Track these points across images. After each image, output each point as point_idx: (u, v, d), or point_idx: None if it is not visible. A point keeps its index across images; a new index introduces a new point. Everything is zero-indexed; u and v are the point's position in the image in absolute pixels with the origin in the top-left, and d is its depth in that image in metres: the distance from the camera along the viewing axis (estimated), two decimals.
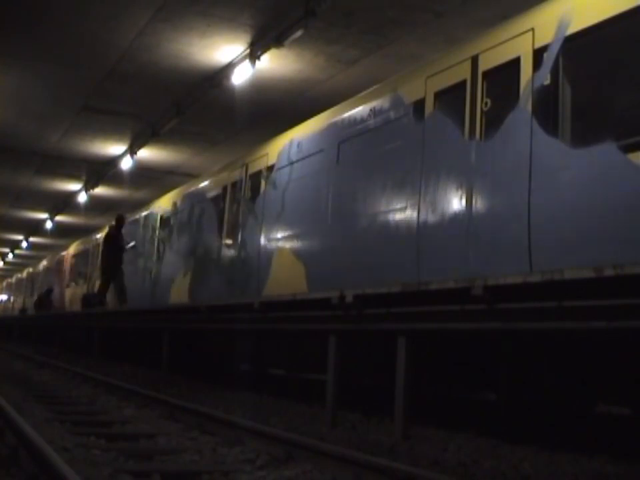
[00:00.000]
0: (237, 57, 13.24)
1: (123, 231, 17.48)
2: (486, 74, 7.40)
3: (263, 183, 11.79)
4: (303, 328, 8.15)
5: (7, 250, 44.81)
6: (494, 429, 6.66)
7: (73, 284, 26.33)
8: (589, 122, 6.26)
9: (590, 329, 4.94)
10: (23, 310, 34.85)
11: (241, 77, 13.41)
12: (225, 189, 13.34)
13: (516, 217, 6.65)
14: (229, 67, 13.59)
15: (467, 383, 7.82)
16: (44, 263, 33.01)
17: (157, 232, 16.91)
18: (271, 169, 11.60)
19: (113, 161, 21.20)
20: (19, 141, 20.26)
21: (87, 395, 9.59)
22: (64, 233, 32.60)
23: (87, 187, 24.66)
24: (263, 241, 11.44)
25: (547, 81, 6.62)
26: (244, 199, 12.46)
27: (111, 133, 18.95)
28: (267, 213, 11.43)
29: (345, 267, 9.08)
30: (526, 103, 6.80)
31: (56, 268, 29.22)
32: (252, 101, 14.99)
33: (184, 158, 21.11)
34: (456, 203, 7.47)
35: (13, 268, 49.10)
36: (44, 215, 31.31)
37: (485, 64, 7.42)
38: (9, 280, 48.42)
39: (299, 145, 10.89)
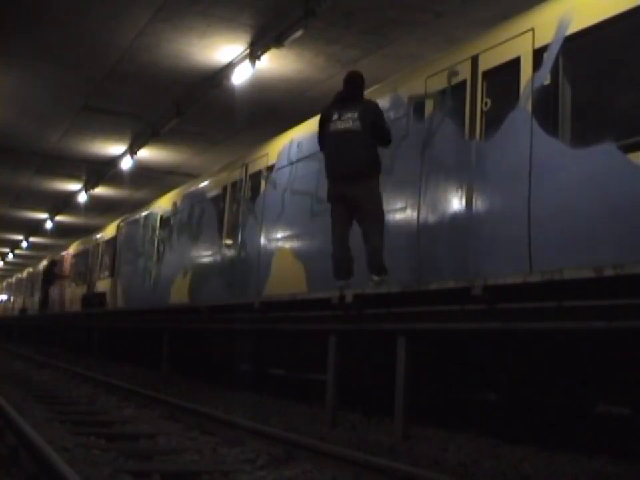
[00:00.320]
0: (237, 57, 13.23)
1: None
2: (486, 74, 7.40)
3: (263, 183, 11.78)
4: (303, 328, 8.16)
5: (7, 250, 44.80)
6: (494, 429, 6.66)
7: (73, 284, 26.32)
8: (589, 122, 6.25)
9: (590, 328, 4.94)
10: (23, 310, 34.84)
11: (240, 76, 13.41)
12: (225, 189, 13.34)
13: (516, 217, 6.64)
14: (229, 66, 13.58)
15: (467, 383, 7.82)
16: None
17: (157, 232, 16.91)
18: (271, 169, 11.60)
19: (113, 160, 21.19)
20: (18, 141, 20.26)
21: (86, 395, 9.59)
22: (64, 232, 32.59)
23: (87, 187, 24.66)
24: (262, 240, 11.44)
25: (547, 81, 6.62)
26: (244, 198, 12.45)
27: (111, 133, 18.94)
28: (267, 213, 11.43)
29: None
30: (526, 102, 6.79)
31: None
32: (252, 100, 14.98)
33: (184, 158, 21.11)
34: (456, 202, 7.46)
35: (13, 268, 49.10)
36: (44, 215, 31.30)
37: (485, 64, 7.42)
38: (9, 280, 48.41)
39: (298, 145, 10.89)
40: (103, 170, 22.28)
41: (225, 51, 13.20)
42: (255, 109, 15.76)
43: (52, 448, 4.76)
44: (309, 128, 10.95)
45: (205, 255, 13.75)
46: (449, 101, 7.82)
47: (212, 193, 13.96)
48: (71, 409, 8.13)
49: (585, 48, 6.35)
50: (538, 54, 6.74)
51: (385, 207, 8.54)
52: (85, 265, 24.65)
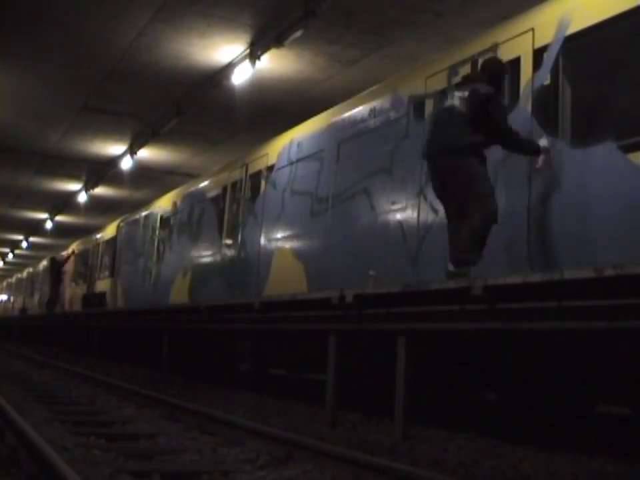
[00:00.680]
0: (237, 57, 13.24)
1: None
2: None
3: (262, 183, 11.79)
4: (303, 328, 8.16)
5: (7, 250, 44.80)
6: (494, 429, 6.66)
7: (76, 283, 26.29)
8: (589, 122, 6.25)
9: (590, 329, 4.94)
10: (23, 310, 34.84)
11: (241, 76, 13.41)
12: (224, 189, 13.34)
13: (515, 217, 6.64)
14: (229, 66, 13.59)
15: (467, 383, 7.82)
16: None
17: (157, 232, 16.91)
18: (271, 169, 11.60)
19: (113, 160, 21.19)
20: (18, 141, 20.26)
21: (87, 395, 9.59)
22: (64, 232, 32.59)
23: (87, 187, 24.66)
24: (262, 240, 11.44)
25: (547, 81, 6.62)
26: (244, 198, 12.46)
27: (111, 133, 18.94)
28: (267, 213, 11.43)
29: (345, 266, 9.08)
30: (526, 102, 6.79)
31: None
32: (252, 100, 14.98)
33: (184, 158, 21.12)
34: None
35: (13, 268, 49.10)
36: (44, 215, 31.30)
37: None
38: (9, 280, 48.42)
39: (299, 145, 10.89)
40: (102, 170, 22.29)
41: (224, 51, 13.20)
42: (255, 109, 15.76)
43: (52, 448, 4.76)
44: (309, 128, 10.97)
45: (205, 255, 13.76)
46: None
47: (212, 193, 13.96)
48: (71, 409, 8.13)
49: (584, 48, 6.35)
50: (538, 54, 6.75)
51: (385, 206, 8.56)
52: (85, 265, 24.65)
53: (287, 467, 5.02)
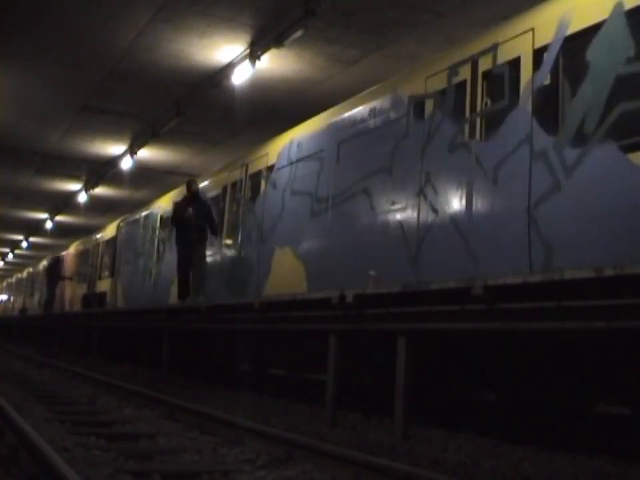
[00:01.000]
0: (237, 57, 13.23)
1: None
2: (486, 74, 7.40)
3: (262, 183, 11.79)
4: (303, 328, 8.16)
5: (7, 250, 44.80)
6: (494, 429, 6.66)
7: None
8: (589, 122, 6.25)
9: (590, 329, 4.94)
10: (23, 310, 34.85)
11: (240, 76, 13.41)
12: (224, 189, 13.34)
13: (516, 217, 6.64)
14: (229, 66, 13.58)
15: (467, 382, 7.82)
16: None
17: (157, 232, 16.91)
18: (271, 169, 11.60)
19: (113, 160, 21.19)
20: (19, 141, 20.26)
21: (87, 395, 9.59)
22: (64, 232, 32.59)
23: (87, 187, 24.66)
24: (263, 240, 11.44)
25: (547, 81, 6.62)
26: (244, 198, 12.45)
27: (111, 133, 18.94)
28: (267, 213, 11.43)
29: (345, 266, 9.08)
30: (526, 102, 6.79)
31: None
32: (252, 100, 14.98)
33: (184, 158, 21.11)
34: (456, 202, 7.47)
35: (13, 268, 49.10)
36: (44, 215, 31.30)
37: (485, 64, 7.42)
38: (9, 280, 48.42)
39: (299, 145, 10.89)
40: (102, 170, 22.28)
41: (224, 51, 13.20)
42: (255, 109, 15.76)
43: (52, 448, 4.76)
44: (309, 128, 10.97)
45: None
46: (449, 101, 7.82)
47: (212, 193, 13.95)
48: (71, 408, 8.13)
49: (585, 48, 6.35)
50: (538, 54, 6.75)
51: (385, 207, 8.57)
52: (85, 265, 24.65)
53: (287, 467, 5.02)
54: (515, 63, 7.00)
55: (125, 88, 15.48)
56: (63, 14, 12.25)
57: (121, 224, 20.65)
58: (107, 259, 21.91)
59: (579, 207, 6.14)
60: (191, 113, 16.06)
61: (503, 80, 7.15)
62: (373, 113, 9.17)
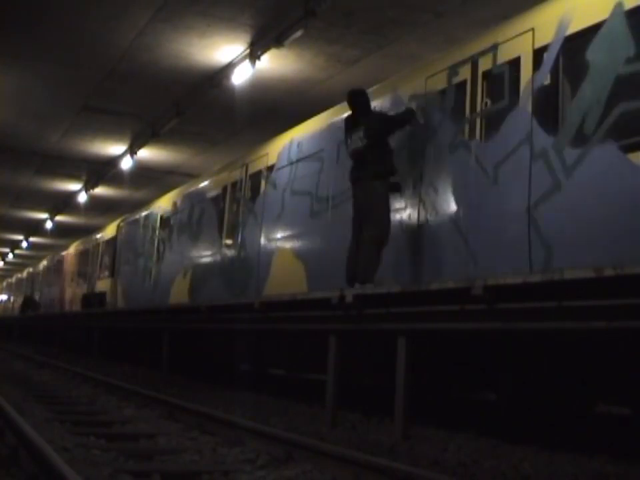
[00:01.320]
0: (237, 57, 13.24)
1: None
2: (486, 74, 7.40)
3: (263, 182, 11.78)
4: (303, 328, 8.16)
5: (7, 250, 44.81)
6: (494, 429, 6.66)
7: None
8: (589, 122, 6.25)
9: (590, 329, 4.94)
10: (23, 310, 34.84)
11: (241, 76, 13.41)
12: (224, 189, 13.34)
13: (516, 217, 6.64)
14: (229, 66, 13.59)
15: (467, 382, 7.82)
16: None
17: (157, 232, 16.91)
18: (271, 169, 11.59)
19: (113, 160, 21.20)
20: (19, 141, 20.27)
21: (87, 395, 9.59)
22: (64, 232, 32.60)
23: (87, 187, 24.67)
24: (262, 240, 11.43)
25: (547, 81, 6.62)
26: (244, 198, 12.45)
27: (111, 133, 18.95)
28: (267, 213, 11.43)
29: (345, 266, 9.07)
30: (526, 102, 6.79)
31: None
32: (252, 100, 14.98)
33: (184, 158, 21.12)
34: (456, 203, 7.46)
35: (13, 268, 49.11)
36: (44, 215, 31.31)
37: (485, 64, 7.41)
38: (9, 280, 48.43)
39: (299, 144, 10.88)
40: (102, 170, 22.29)
41: (224, 51, 13.20)
42: (255, 109, 15.76)
43: (52, 448, 4.76)
44: (309, 128, 10.96)
45: (205, 255, 13.75)
46: (449, 101, 7.82)
47: (212, 193, 13.96)
48: (71, 408, 8.13)
49: (585, 48, 6.35)
50: (538, 54, 6.74)
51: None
52: (85, 265, 24.65)
53: (287, 467, 5.02)
54: (515, 63, 6.99)
55: (124, 88, 15.49)
56: (62, 14, 12.26)
57: (121, 224, 20.65)
58: (106, 259, 21.91)
59: (579, 207, 6.14)
60: (191, 113, 16.07)
61: (503, 80, 7.15)
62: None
